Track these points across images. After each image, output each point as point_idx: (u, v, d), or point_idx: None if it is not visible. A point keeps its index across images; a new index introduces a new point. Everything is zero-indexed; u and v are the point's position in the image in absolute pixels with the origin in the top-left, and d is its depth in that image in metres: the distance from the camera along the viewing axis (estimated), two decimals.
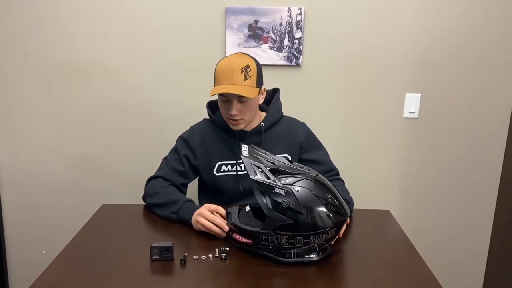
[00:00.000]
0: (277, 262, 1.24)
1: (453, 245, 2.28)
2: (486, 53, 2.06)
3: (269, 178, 1.24)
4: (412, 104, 2.13)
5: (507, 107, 2.12)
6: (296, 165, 1.33)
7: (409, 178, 2.22)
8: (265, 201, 1.22)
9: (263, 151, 1.37)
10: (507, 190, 2.16)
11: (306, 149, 1.69)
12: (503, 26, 2.03)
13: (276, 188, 1.21)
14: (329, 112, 2.15)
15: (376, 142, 2.18)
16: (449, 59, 2.08)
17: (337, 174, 1.72)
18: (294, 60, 2.07)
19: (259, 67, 1.58)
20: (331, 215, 1.22)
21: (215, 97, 1.69)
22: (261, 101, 1.63)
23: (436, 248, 2.25)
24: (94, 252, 1.31)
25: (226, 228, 1.35)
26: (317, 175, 1.28)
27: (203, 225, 1.37)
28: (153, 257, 1.25)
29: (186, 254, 1.26)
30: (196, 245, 1.34)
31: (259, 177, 1.23)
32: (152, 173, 1.67)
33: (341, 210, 1.25)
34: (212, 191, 1.68)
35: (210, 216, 1.38)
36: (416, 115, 2.14)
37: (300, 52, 2.06)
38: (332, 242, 1.29)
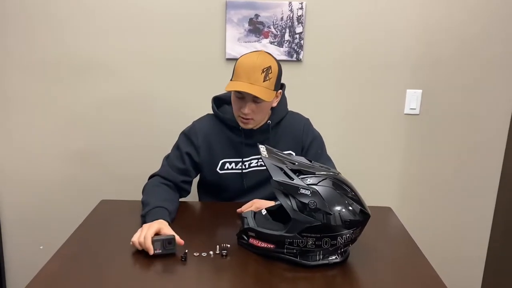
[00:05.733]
0: (302, 266, 1.20)
1: (453, 241, 2.28)
2: (487, 49, 2.05)
3: (292, 179, 1.19)
4: (413, 100, 2.12)
5: (508, 103, 2.12)
6: (316, 164, 1.29)
7: (410, 174, 2.21)
8: (289, 203, 1.17)
9: (278, 151, 1.33)
10: (507, 186, 2.16)
11: (307, 148, 1.67)
12: (505, 23, 2.02)
13: (301, 189, 1.17)
14: (330, 108, 2.14)
15: (377, 138, 2.17)
16: (450, 56, 2.07)
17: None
18: (295, 55, 2.06)
19: (280, 70, 1.54)
20: (358, 213, 1.19)
21: (221, 92, 1.67)
22: (274, 104, 1.60)
23: (436, 244, 2.24)
24: (92, 248, 1.29)
25: (151, 253, 1.22)
26: (338, 173, 1.26)
27: (133, 242, 1.26)
28: (156, 251, 1.22)
29: (186, 251, 1.25)
30: (197, 242, 1.32)
31: (282, 178, 1.19)
32: (151, 169, 1.65)
33: (365, 208, 1.22)
34: (213, 188, 1.66)
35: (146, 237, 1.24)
36: (417, 112, 2.13)
37: (301, 47, 2.05)
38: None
